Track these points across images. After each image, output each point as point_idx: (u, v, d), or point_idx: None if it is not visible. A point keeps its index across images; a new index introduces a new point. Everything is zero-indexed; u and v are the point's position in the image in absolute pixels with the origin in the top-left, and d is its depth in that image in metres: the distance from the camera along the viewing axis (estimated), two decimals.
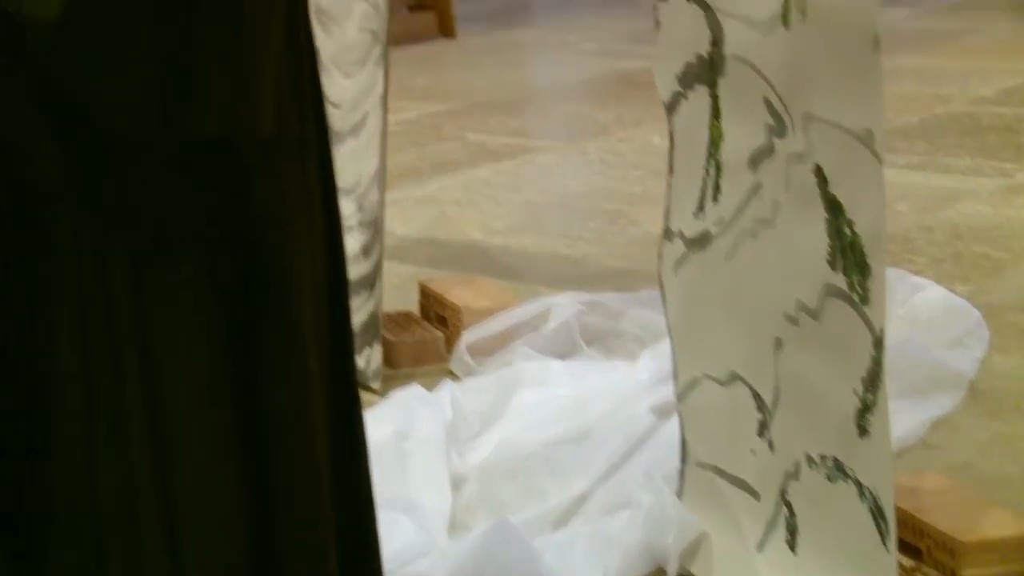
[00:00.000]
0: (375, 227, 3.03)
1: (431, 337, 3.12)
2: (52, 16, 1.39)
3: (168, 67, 1.43)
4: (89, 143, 1.46)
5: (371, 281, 3.02)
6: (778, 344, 2.06)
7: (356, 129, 3.00)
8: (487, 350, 3.00)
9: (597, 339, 3.10)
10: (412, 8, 7.77)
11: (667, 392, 2.51)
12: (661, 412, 2.59)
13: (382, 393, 2.87)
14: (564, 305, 3.14)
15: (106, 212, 1.47)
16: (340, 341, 1.63)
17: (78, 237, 1.46)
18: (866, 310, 1.88)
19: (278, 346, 1.52)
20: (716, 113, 2.22)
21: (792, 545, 2.06)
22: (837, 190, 1.95)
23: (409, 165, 5.13)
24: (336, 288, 1.64)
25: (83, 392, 1.46)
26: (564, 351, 3.02)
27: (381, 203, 3.05)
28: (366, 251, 3.01)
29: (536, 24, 8.67)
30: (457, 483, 2.46)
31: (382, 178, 3.05)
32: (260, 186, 1.51)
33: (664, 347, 2.62)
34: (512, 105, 6.33)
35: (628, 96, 6.31)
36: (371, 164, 3.02)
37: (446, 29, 7.94)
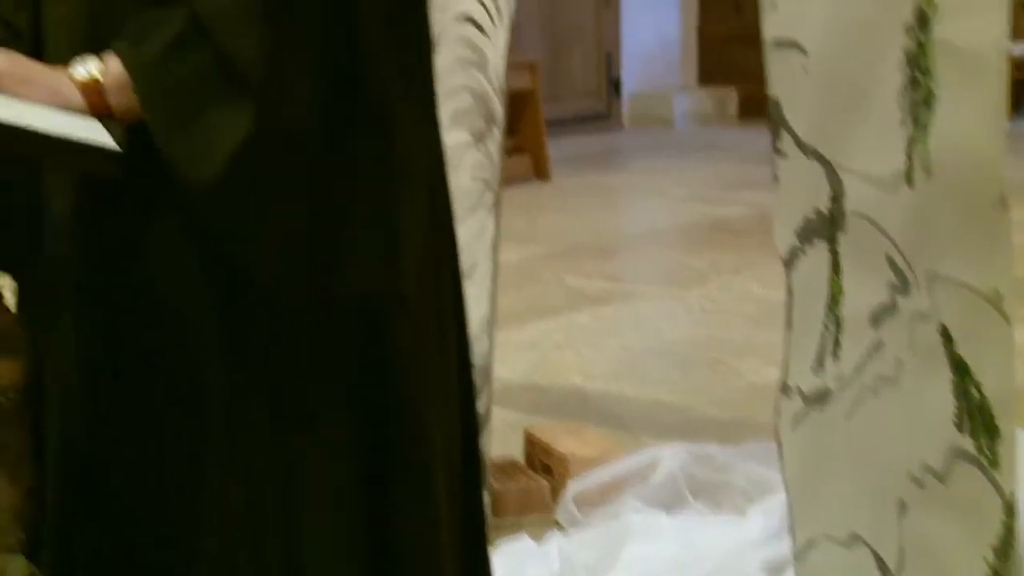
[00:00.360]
0: (484, 373, 3.03)
1: (537, 486, 3.11)
2: (213, 176, 1.42)
3: (320, 229, 1.47)
4: (240, 297, 1.49)
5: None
6: (902, 506, 2.02)
7: (467, 275, 3.01)
8: (594, 500, 2.98)
9: (704, 492, 3.06)
10: (508, 151, 7.86)
11: (778, 548, 2.48)
12: (773, 569, 2.54)
13: (489, 542, 2.85)
14: (671, 456, 3.12)
15: (253, 367, 1.50)
16: (471, 493, 1.65)
17: (226, 393, 1.49)
18: (995, 474, 1.85)
19: (412, 501, 1.55)
20: (836, 269, 2.21)
21: None
22: (964, 350, 1.93)
23: (509, 308, 5.15)
24: (468, 440, 1.66)
25: (222, 544, 1.48)
26: (671, 503, 2.99)
27: (490, 349, 3.06)
28: None
29: (627, 168, 8.74)
30: None
31: (492, 324, 3.06)
32: (400, 344, 1.54)
33: (773, 503, 2.58)
34: (607, 249, 6.36)
35: (723, 243, 6.32)
36: (481, 310, 3.03)
37: (541, 172, 8.02)
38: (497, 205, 3.11)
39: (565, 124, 9.29)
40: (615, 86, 10.01)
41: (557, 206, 7.40)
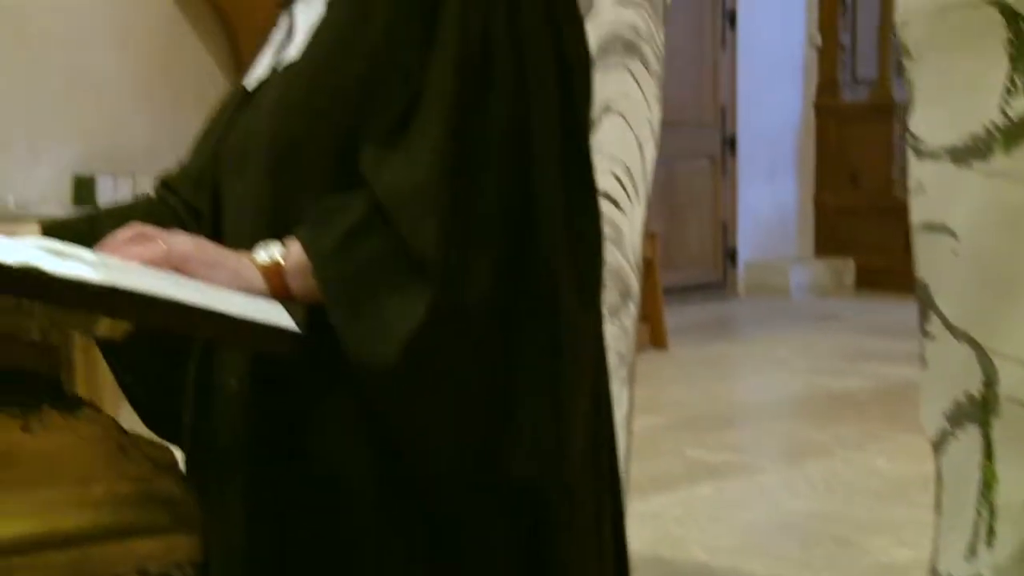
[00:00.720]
0: None
1: None
2: (388, 361, 1.45)
3: (490, 415, 1.49)
4: (407, 479, 1.51)
5: None
6: None
7: None
8: None
9: None
10: None
11: None
12: None
13: None
14: None
15: (415, 549, 1.51)
16: None
17: (383, 570, 1.50)
18: None
19: None
20: (989, 454, 2.19)
21: None
22: None
23: (630, 479, 5.12)
24: None
25: None
26: None
27: None
28: None
29: (744, 338, 8.71)
30: None
31: (624, 495, 3.05)
32: (559, 528, 1.55)
33: None
34: (728, 420, 6.32)
35: (845, 416, 6.26)
36: None
37: (658, 341, 8.02)
38: (631, 378, 3.12)
39: (680, 292, 9.31)
40: (731, 255, 10.04)
41: (675, 376, 7.38)
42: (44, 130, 6.94)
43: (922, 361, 2.36)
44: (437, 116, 1.50)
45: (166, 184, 1.78)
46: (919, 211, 2.27)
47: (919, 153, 2.25)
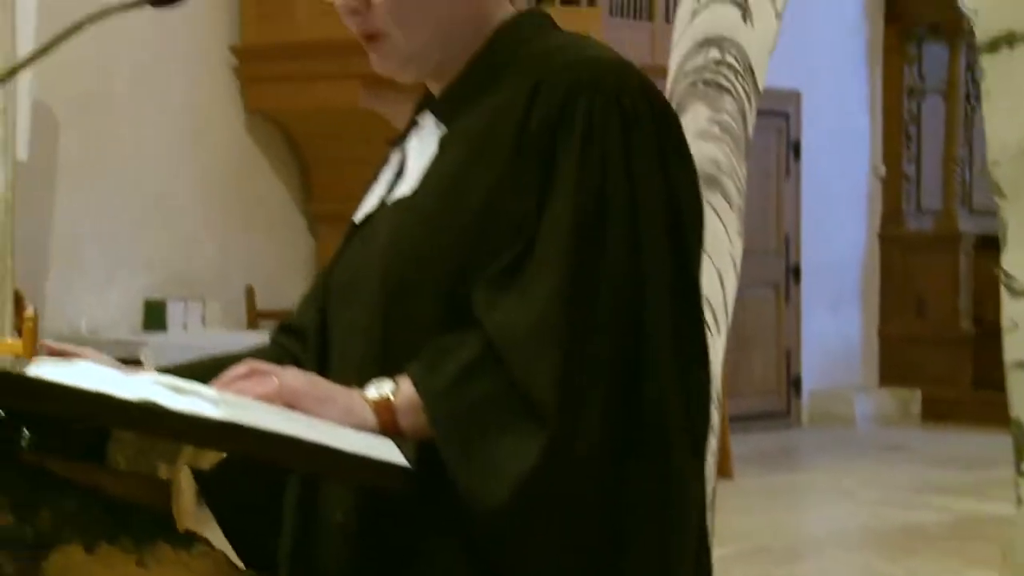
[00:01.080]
0: None
1: None
2: (498, 502, 1.45)
3: (597, 558, 1.48)
4: None
5: None
6: None
7: None
8: None
9: None
10: None
11: None
12: None
13: None
14: None
15: None
16: None
17: None
18: None
19: None
20: None
21: None
22: None
23: None
24: None
25: None
26: None
27: None
28: None
29: (809, 467, 8.63)
30: None
31: None
32: None
33: None
34: (795, 551, 6.24)
35: (916, 549, 6.16)
36: None
37: (724, 469, 7.94)
38: (710, 508, 3.10)
39: (744, 421, 9.25)
40: (795, 384, 9.98)
41: (740, 505, 7.30)
42: (117, 255, 7.04)
43: (1018, 500, 2.33)
44: (553, 260, 1.51)
45: (281, 327, 1.80)
46: (1013, 349, 2.26)
47: (1013, 291, 2.25)
